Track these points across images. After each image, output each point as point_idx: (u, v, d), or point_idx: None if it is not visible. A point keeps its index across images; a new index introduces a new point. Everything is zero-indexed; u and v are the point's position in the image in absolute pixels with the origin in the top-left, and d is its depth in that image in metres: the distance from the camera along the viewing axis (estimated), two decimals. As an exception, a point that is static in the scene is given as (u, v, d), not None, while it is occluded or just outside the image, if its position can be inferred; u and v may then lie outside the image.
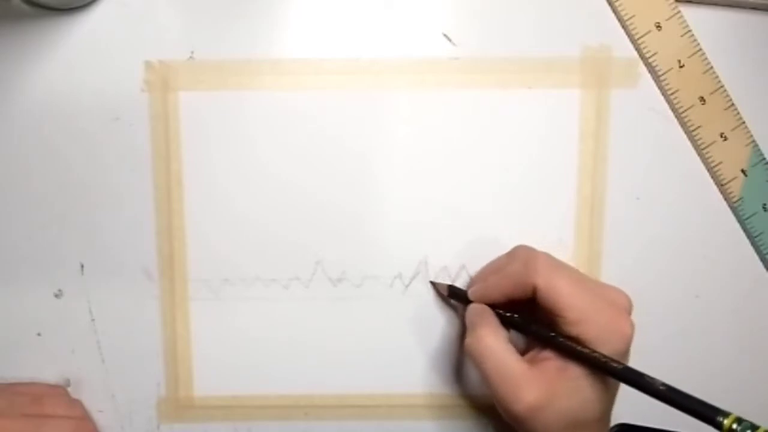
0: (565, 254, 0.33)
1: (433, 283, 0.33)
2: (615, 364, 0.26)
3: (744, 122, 0.33)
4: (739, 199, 0.33)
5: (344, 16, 0.32)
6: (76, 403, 0.33)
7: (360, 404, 0.34)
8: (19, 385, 0.33)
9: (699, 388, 0.30)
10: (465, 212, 0.33)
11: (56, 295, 0.34)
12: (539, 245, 0.32)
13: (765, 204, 0.33)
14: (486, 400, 0.34)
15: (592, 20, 0.32)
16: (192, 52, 0.32)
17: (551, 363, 0.27)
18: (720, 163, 0.33)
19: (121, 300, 0.33)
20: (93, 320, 0.34)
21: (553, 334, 0.28)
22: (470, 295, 0.31)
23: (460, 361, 0.34)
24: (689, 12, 0.32)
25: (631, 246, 0.33)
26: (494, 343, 0.28)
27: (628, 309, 0.28)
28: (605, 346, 0.27)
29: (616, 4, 0.32)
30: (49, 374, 0.34)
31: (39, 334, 0.34)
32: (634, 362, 0.27)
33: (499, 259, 0.32)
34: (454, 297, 0.33)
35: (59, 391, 0.33)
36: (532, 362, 0.28)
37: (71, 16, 0.32)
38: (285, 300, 0.34)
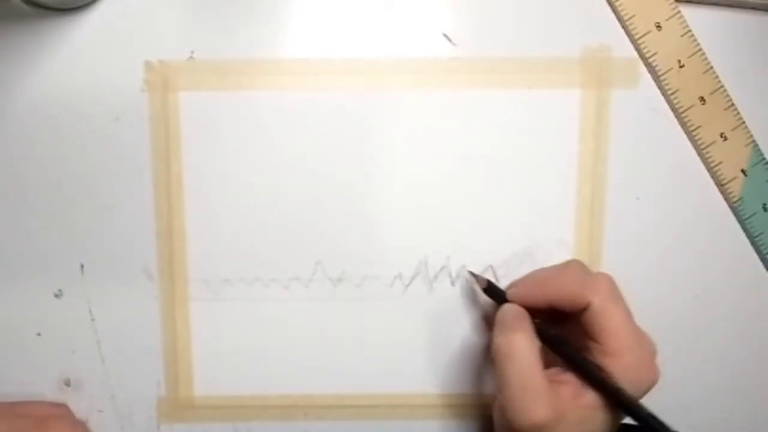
0: (565, 254, 0.33)
1: (472, 273, 0.33)
2: (641, 410, 0.26)
3: (744, 122, 0.33)
4: (739, 199, 0.33)
5: (344, 16, 0.32)
6: (79, 426, 0.33)
7: (360, 404, 0.34)
8: (20, 406, 0.33)
9: (698, 389, 0.30)
10: (465, 212, 0.33)
11: (56, 295, 0.34)
12: (539, 245, 0.32)
13: (765, 204, 0.33)
14: (485, 399, 0.34)
15: (592, 20, 0.32)
16: (192, 52, 0.32)
17: (569, 387, 0.27)
18: (720, 163, 0.33)
19: (121, 300, 0.33)
20: (93, 320, 0.34)
21: (591, 359, 0.28)
22: (509, 295, 0.30)
23: (460, 360, 0.34)
24: (689, 12, 0.32)
25: (631, 246, 0.33)
26: (527, 351, 0.27)
27: (655, 355, 0.28)
28: (629, 384, 0.27)
29: (616, 4, 0.32)
30: (49, 374, 0.34)
31: (39, 334, 0.34)
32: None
33: (548, 268, 0.31)
34: (489, 293, 0.32)
35: (62, 412, 0.33)
36: (550, 380, 0.27)
37: (71, 16, 0.32)
38: (285, 300, 0.34)
